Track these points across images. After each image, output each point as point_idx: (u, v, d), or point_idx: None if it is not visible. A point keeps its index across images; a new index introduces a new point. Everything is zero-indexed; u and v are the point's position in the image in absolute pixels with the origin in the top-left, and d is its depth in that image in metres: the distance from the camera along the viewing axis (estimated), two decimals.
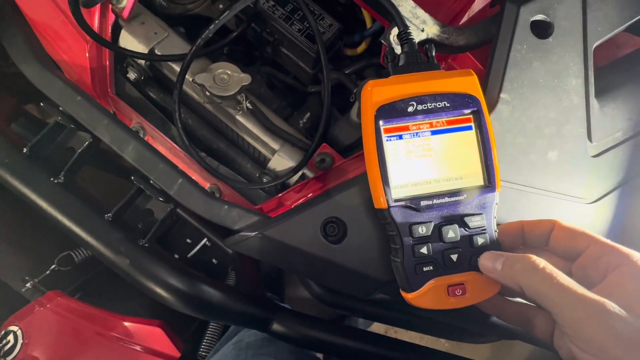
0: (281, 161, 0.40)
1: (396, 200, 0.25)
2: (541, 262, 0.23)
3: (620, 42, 0.40)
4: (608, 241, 0.25)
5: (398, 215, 0.25)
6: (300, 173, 0.39)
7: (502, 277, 0.24)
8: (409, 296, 0.26)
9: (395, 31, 0.31)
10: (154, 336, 0.49)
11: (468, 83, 0.26)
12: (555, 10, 0.30)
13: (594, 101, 0.31)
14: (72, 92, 0.33)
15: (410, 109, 0.25)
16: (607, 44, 0.33)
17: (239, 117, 0.41)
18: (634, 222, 0.30)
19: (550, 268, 0.23)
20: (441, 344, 1.01)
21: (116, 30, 0.41)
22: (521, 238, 0.27)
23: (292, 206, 0.37)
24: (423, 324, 0.51)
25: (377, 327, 0.95)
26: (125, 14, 0.40)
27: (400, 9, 0.32)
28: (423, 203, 0.25)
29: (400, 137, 0.26)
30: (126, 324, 0.48)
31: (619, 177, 0.30)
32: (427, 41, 0.32)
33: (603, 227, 0.30)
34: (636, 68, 0.34)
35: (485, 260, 0.25)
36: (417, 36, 0.32)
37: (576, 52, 0.30)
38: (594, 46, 0.31)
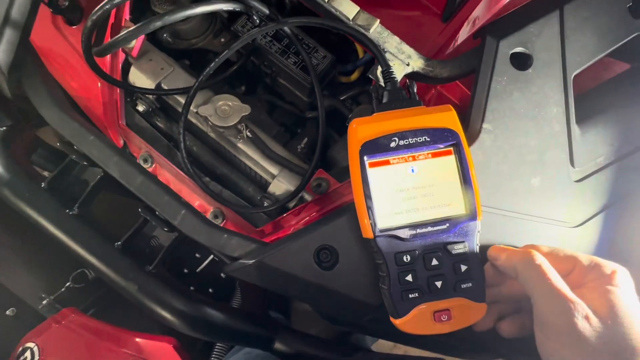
0: (280, 186, 0.42)
1: (382, 231, 0.27)
2: (538, 258, 0.26)
3: (607, 64, 0.41)
4: (587, 259, 0.27)
5: (384, 245, 0.27)
6: (298, 197, 0.41)
7: (503, 264, 0.28)
8: (396, 322, 0.27)
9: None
10: (164, 352, 0.51)
11: (447, 118, 0.28)
12: (534, 42, 0.32)
13: (575, 127, 0.32)
14: (86, 132, 0.36)
15: (392, 144, 0.27)
16: (593, 66, 0.34)
17: (240, 145, 0.43)
18: (618, 244, 0.31)
19: (545, 266, 0.26)
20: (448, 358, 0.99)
21: (126, 66, 0.44)
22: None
23: (292, 228, 0.39)
24: (424, 341, 0.52)
25: (385, 342, 0.94)
26: (135, 53, 0.43)
27: (386, 45, 0.34)
28: (408, 232, 0.27)
29: (384, 170, 0.27)
30: (137, 340, 0.50)
31: (602, 201, 0.31)
32: (412, 75, 0.34)
33: (587, 250, 0.31)
34: (616, 94, 0.35)
35: (491, 252, 0.29)
36: (403, 70, 0.34)
37: (556, 81, 0.32)
38: (574, 75, 0.32)
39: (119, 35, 0.30)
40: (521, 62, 0.32)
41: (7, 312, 0.57)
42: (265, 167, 0.43)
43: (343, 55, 0.46)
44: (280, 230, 0.41)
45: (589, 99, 0.34)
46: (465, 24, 0.36)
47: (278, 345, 0.42)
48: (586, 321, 0.23)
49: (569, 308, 0.24)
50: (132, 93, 0.46)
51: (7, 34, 0.36)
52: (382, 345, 0.92)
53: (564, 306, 0.24)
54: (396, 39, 0.34)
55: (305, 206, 0.41)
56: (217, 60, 0.38)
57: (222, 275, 0.61)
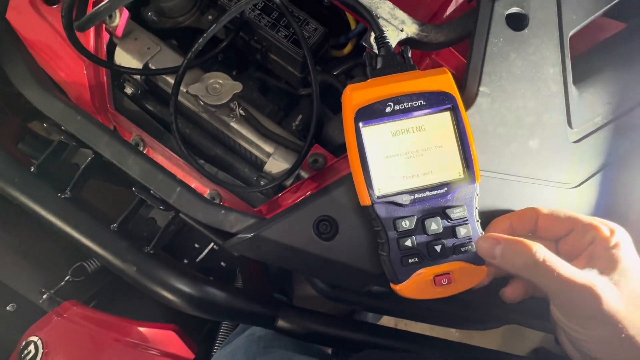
0: (276, 164, 0.42)
1: (379, 197, 0.26)
2: (540, 253, 0.24)
3: (602, 25, 0.40)
4: (587, 220, 0.26)
5: (382, 211, 0.26)
6: (295, 174, 0.40)
7: (503, 264, 0.26)
8: (397, 288, 0.27)
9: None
10: (168, 340, 0.51)
11: (442, 81, 0.27)
12: (529, 1, 0.31)
13: (572, 88, 0.31)
14: (73, 112, 0.35)
15: (387, 110, 0.27)
16: (589, 28, 0.33)
17: (233, 124, 0.42)
18: (616, 203, 0.31)
19: (549, 259, 0.24)
20: (451, 333, 1.01)
21: (111, 47, 0.43)
22: (511, 231, 0.29)
23: (290, 206, 0.38)
24: (430, 315, 0.52)
25: (387, 321, 0.96)
26: (119, 32, 0.41)
27: (378, 10, 0.33)
28: (405, 198, 0.27)
29: (380, 136, 0.27)
30: (141, 329, 0.51)
31: (600, 161, 0.31)
32: (407, 40, 0.33)
33: (587, 210, 0.31)
34: (612, 53, 0.34)
35: (484, 245, 0.26)
36: (397, 36, 0.33)
37: (552, 41, 0.31)
38: (570, 34, 0.31)
39: (100, 5, 0.28)
40: (517, 22, 0.31)
41: (8, 308, 0.57)
42: (260, 145, 0.42)
43: (334, 29, 0.45)
44: (278, 208, 0.41)
45: (585, 59, 0.34)
46: None
47: (281, 323, 0.42)
48: (611, 300, 0.23)
49: (588, 295, 0.23)
50: (119, 75, 0.45)
51: None
52: (384, 322, 0.94)
53: (583, 294, 0.23)
54: (389, 4, 0.33)
55: (302, 183, 0.40)
56: (205, 35, 0.36)
57: (222, 264, 0.61)
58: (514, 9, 0.31)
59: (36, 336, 0.48)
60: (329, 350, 0.63)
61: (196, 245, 0.59)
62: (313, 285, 0.58)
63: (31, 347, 0.48)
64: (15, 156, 0.39)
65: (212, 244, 0.60)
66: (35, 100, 0.36)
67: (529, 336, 1.06)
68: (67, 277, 0.59)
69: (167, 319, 0.56)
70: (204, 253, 0.59)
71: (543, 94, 0.31)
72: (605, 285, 0.23)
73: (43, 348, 0.47)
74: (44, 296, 0.59)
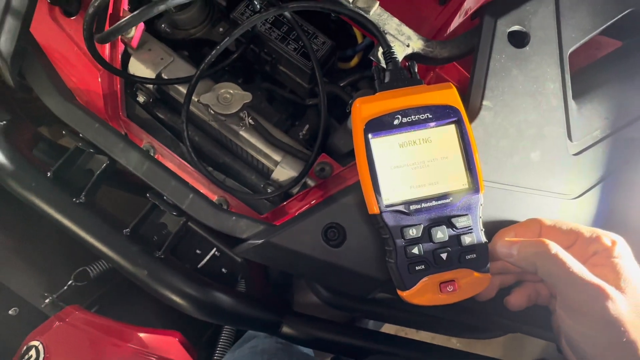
0: (283, 172, 0.43)
1: (387, 206, 0.27)
2: (553, 247, 0.26)
3: (600, 43, 0.42)
4: (589, 232, 0.27)
5: (390, 220, 0.27)
6: (301, 182, 0.41)
7: (518, 261, 0.27)
8: (404, 294, 0.28)
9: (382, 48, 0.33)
10: (169, 346, 0.51)
11: (448, 95, 0.29)
12: (530, 20, 0.33)
13: (571, 103, 0.33)
14: (91, 120, 0.36)
15: (396, 122, 0.28)
16: (587, 45, 0.35)
17: (242, 133, 0.43)
18: (615, 214, 0.32)
19: (562, 254, 0.26)
20: (452, 343, 1.01)
21: (125, 57, 0.44)
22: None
23: (296, 214, 0.39)
24: (431, 323, 0.53)
25: (388, 329, 0.96)
26: (134, 43, 0.43)
27: (386, 27, 0.34)
28: (412, 207, 0.28)
29: (388, 147, 0.28)
30: (142, 335, 0.51)
31: (599, 173, 0.32)
32: (412, 56, 0.34)
33: (587, 221, 0.32)
34: (610, 70, 0.35)
35: (502, 249, 0.28)
36: (403, 51, 0.34)
37: (552, 58, 0.32)
38: (569, 52, 0.33)
39: (122, 20, 0.30)
40: (519, 40, 0.33)
41: (10, 312, 0.57)
42: (268, 154, 0.43)
43: (341, 42, 0.47)
44: (285, 216, 0.42)
45: (584, 76, 0.35)
46: (458, 15, 0.37)
47: (286, 329, 0.43)
48: (617, 301, 0.24)
49: (598, 294, 0.24)
50: (132, 84, 0.46)
51: (8, 23, 0.36)
52: (385, 331, 0.93)
53: (593, 293, 0.24)
54: (396, 20, 0.34)
55: (308, 191, 0.41)
56: (218, 47, 0.38)
57: (223, 270, 0.61)
58: (515, 27, 0.33)
59: (37, 340, 0.48)
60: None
61: (197, 252, 0.59)
62: (315, 293, 0.59)
63: (32, 352, 0.48)
64: (32, 161, 0.40)
65: (214, 250, 0.60)
66: (55, 108, 0.37)
67: (529, 347, 1.06)
68: (70, 282, 0.59)
69: (169, 325, 0.56)
70: (205, 259, 0.60)
71: (544, 108, 0.32)
72: (612, 288, 0.24)
73: (44, 353, 0.47)
74: (46, 300, 0.59)
